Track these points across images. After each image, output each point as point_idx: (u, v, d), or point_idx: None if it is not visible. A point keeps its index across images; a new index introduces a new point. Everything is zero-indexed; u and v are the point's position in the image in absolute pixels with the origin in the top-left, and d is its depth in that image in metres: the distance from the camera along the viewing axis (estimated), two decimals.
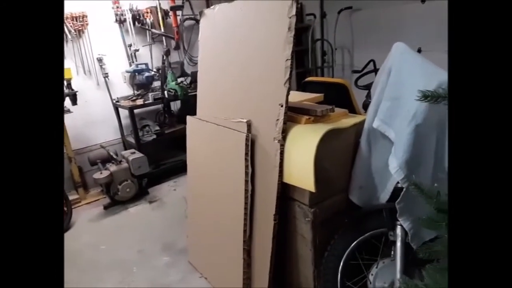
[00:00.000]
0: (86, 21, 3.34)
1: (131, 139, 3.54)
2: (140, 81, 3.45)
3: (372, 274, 1.42)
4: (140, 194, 3.25)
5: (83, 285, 2.13)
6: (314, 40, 4.49)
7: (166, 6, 3.64)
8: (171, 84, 3.41)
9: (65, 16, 3.21)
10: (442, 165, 1.27)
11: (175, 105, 4.03)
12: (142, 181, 3.25)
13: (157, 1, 3.57)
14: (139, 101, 3.41)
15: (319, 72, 4.52)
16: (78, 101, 3.10)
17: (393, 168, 1.26)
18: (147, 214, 2.99)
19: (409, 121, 1.22)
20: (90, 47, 3.45)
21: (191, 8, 3.95)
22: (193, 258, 2.20)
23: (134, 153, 3.19)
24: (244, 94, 1.66)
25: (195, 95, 2.07)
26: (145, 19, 3.64)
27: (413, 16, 3.34)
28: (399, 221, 1.32)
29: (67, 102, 3.04)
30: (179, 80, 3.58)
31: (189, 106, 2.95)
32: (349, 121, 1.58)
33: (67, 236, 2.75)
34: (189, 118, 2.04)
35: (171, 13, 3.63)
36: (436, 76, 1.17)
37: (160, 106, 3.62)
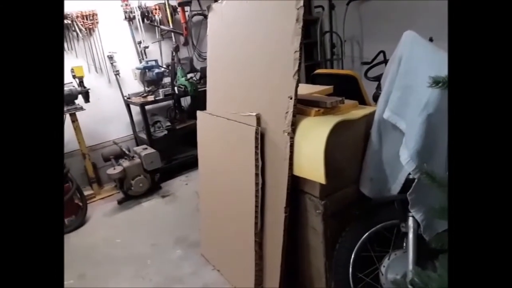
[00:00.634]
0: (96, 19, 3.39)
1: (143, 135, 3.59)
2: (151, 78, 3.48)
3: (384, 266, 1.41)
4: (153, 189, 3.30)
5: (99, 279, 2.19)
6: (323, 33, 4.44)
7: (174, 2, 3.66)
8: (181, 80, 3.43)
9: (75, 15, 3.26)
10: None
11: (185, 101, 4.06)
12: (154, 176, 3.30)
13: None
14: (150, 98, 3.45)
15: (328, 65, 4.48)
16: (91, 99, 3.16)
17: (404, 159, 1.24)
18: (160, 209, 3.04)
19: (420, 111, 1.20)
20: (101, 45, 3.49)
21: (199, 4, 3.96)
22: (205, 251, 2.23)
23: (146, 148, 3.24)
24: (253, 88, 1.67)
25: (205, 91, 2.09)
26: (154, 16, 3.66)
27: (423, 5, 3.27)
28: (411, 212, 1.31)
29: (80, 99, 3.10)
30: (189, 76, 3.61)
31: (199, 101, 2.97)
32: (359, 112, 1.57)
33: (83, 230, 2.82)
34: (199, 113, 2.05)
35: (179, 9, 3.64)
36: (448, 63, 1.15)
37: (170, 102, 3.66)
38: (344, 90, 1.80)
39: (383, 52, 2.72)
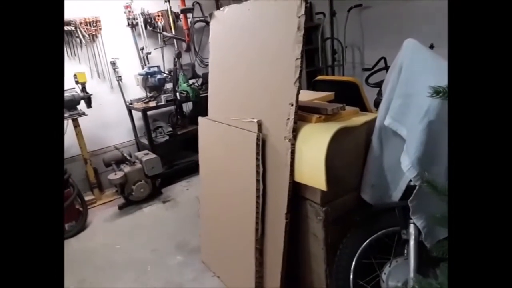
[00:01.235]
0: (99, 26, 3.42)
1: (145, 141, 3.61)
2: (153, 84, 3.51)
3: (385, 273, 1.41)
4: (154, 194, 3.30)
5: (99, 284, 2.19)
6: (324, 39, 4.47)
7: (176, 9, 3.69)
8: (183, 85, 3.45)
9: (79, 21, 3.29)
10: None
11: (187, 107, 4.08)
12: (155, 181, 3.30)
13: (168, 5, 3.63)
14: (152, 103, 3.47)
15: (329, 71, 4.50)
16: (93, 104, 3.18)
17: (405, 166, 1.24)
18: (160, 214, 3.03)
19: (421, 118, 1.21)
20: (104, 51, 3.53)
21: (201, 10, 4.00)
22: (206, 257, 2.22)
23: (147, 154, 3.25)
24: (255, 94, 1.68)
25: (207, 96, 2.10)
26: (156, 22, 3.70)
27: (424, 12, 3.29)
28: (412, 219, 1.30)
29: (82, 105, 3.12)
30: (191, 81, 3.63)
31: (201, 107, 2.98)
32: (360, 119, 1.57)
33: (83, 236, 2.82)
34: (200, 119, 2.06)
35: (181, 15, 3.68)
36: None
37: (172, 107, 3.67)
38: (345, 97, 1.81)
39: (384, 58, 2.73)
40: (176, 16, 3.74)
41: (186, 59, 4.00)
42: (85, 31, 3.34)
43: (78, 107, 3.11)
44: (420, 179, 1.20)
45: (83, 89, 3.10)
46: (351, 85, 2.21)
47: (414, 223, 1.31)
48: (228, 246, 1.93)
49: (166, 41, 3.85)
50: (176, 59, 3.51)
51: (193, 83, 3.67)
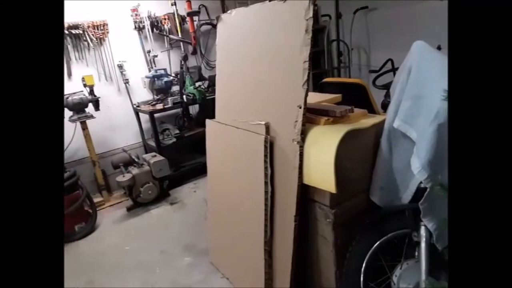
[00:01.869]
0: (106, 29, 3.46)
1: (152, 143, 3.63)
2: (160, 86, 3.53)
3: (396, 276, 1.40)
4: (162, 196, 3.32)
5: (107, 285, 2.20)
6: (330, 41, 4.47)
7: (183, 12, 3.72)
8: (190, 88, 3.47)
9: (87, 25, 3.33)
10: None
11: (194, 109, 4.10)
12: (163, 183, 3.33)
13: (174, 8, 3.66)
14: (159, 106, 3.49)
15: (335, 73, 4.50)
16: (101, 107, 3.21)
17: (415, 168, 1.24)
18: (168, 216, 3.05)
19: (431, 120, 1.21)
20: (111, 54, 3.56)
21: (207, 13, 4.02)
22: (214, 259, 2.23)
23: (155, 156, 3.27)
24: (262, 96, 1.68)
25: (213, 99, 2.11)
26: (163, 25, 3.73)
27: (431, 13, 3.28)
28: (422, 221, 1.30)
29: (90, 108, 3.16)
30: (197, 84, 3.65)
31: (207, 109, 2.99)
32: (368, 121, 1.57)
33: (92, 237, 2.85)
34: (208, 122, 2.07)
35: (188, 18, 3.70)
36: None
37: (179, 110, 3.70)
38: (352, 99, 1.81)
39: (391, 60, 2.73)
40: (182, 19, 3.77)
41: (192, 61, 4.03)
42: (92, 35, 3.38)
43: (86, 110, 3.14)
44: (431, 181, 1.19)
45: (91, 92, 3.14)
46: (358, 87, 2.20)
47: (425, 226, 1.30)
48: (237, 247, 1.93)
49: (173, 44, 3.88)
50: (182, 61, 3.53)
51: (200, 86, 3.69)
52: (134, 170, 3.13)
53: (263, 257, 1.67)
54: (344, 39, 4.26)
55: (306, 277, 1.73)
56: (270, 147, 1.59)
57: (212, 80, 3.71)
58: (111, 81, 3.62)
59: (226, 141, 1.93)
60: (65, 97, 3.02)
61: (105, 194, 3.41)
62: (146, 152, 3.71)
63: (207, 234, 2.34)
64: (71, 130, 3.24)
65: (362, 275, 1.43)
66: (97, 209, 3.14)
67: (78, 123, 3.12)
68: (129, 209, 3.18)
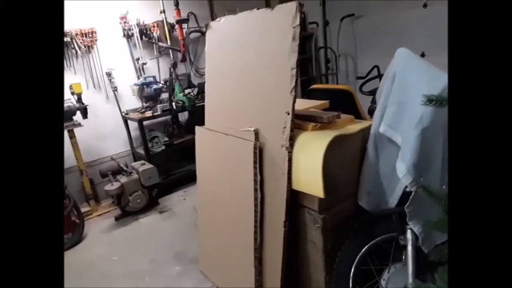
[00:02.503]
0: (95, 37, 3.44)
1: (141, 151, 3.60)
2: (149, 94, 3.52)
3: (384, 279, 1.42)
4: (151, 204, 3.28)
5: None
6: (318, 48, 4.54)
7: (172, 20, 3.73)
8: (179, 95, 3.47)
9: (74, 32, 3.31)
10: None
11: (183, 116, 4.09)
12: (152, 191, 3.29)
13: (163, 16, 3.67)
14: (148, 113, 3.47)
15: (323, 79, 4.56)
16: (89, 115, 3.17)
17: (401, 172, 1.27)
18: (158, 224, 3.01)
19: (415, 125, 1.24)
20: (99, 62, 3.54)
21: (196, 21, 4.04)
22: (204, 267, 2.21)
23: (144, 164, 3.24)
24: (251, 103, 1.70)
25: (202, 106, 2.11)
26: (152, 33, 3.73)
27: (415, 20, 3.37)
28: (409, 225, 1.32)
29: (78, 116, 3.12)
30: (186, 91, 3.64)
31: (197, 116, 2.99)
32: (355, 126, 1.60)
33: (80, 248, 2.79)
34: (197, 128, 2.07)
35: (177, 26, 3.71)
36: (440, 79, 1.19)
37: (168, 117, 3.68)
38: (340, 105, 1.84)
39: (377, 66, 2.79)
40: (171, 27, 3.78)
41: (181, 69, 4.02)
42: (80, 42, 3.36)
43: (74, 118, 3.10)
44: (416, 184, 1.22)
45: (79, 100, 3.10)
46: (346, 93, 2.24)
47: (411, 229, 1.32)
48: (227, 255, 1.92)
49: (162, 51, 3.88)
50: (171, 69, 3.53)
51: (189, 93, 3.69)
52: (123, 179, 3.09)
53: (253, 265, 1.67)
54: (332, 46, 4.33)
55: (296, 282, 1.73)
56: (259, 153, 1.60)
57: (201, 87, 3.71)
58: (99, 89, 3.59)
59: (216, 148, 1.94)
60: None
61: (93, 203, 3.35)
62: (135, 160, 3.67)
63: (197, 242, 2.32)
64: None
65: (351, 280, 1.44)
66: (85, 219, 3.08)
67: (66, 132, 3.07)
68: (117, 218, 3.13)
